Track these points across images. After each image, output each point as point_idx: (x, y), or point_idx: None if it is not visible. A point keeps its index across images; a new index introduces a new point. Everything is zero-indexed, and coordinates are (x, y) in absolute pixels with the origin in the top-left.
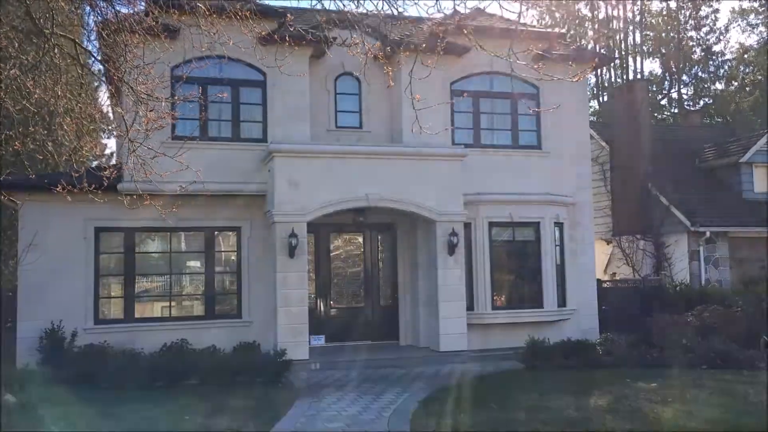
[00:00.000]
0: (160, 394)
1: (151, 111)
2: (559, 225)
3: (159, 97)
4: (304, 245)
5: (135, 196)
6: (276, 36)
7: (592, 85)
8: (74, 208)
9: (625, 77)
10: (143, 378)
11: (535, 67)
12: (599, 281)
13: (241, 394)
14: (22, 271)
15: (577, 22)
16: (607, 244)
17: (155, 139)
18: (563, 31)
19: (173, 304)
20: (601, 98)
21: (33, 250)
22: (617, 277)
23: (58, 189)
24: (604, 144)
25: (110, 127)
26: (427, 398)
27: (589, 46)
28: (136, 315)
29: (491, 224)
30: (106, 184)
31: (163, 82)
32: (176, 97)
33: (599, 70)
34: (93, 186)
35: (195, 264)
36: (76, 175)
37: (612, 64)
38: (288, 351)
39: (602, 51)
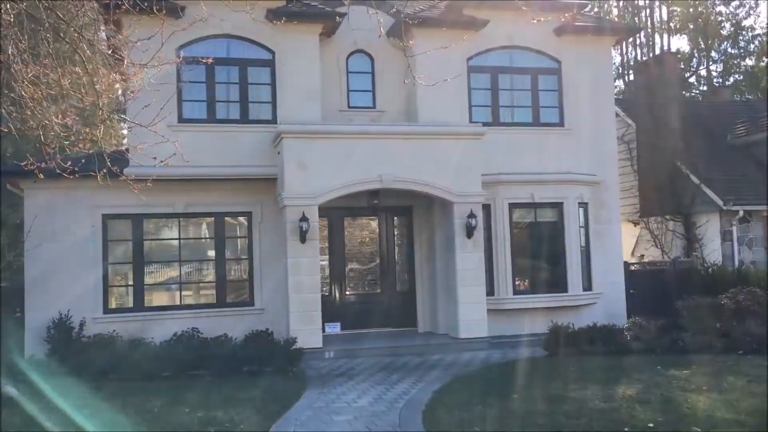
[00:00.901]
0: (165, 384)
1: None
2: (583, 205)
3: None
4: (315, 229)
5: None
6: (283, 14)
7: (617, 64)
8: (81, 195)
9: (651, 55)
10: (149, 368)
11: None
12: (626, 264)
13: (249, 384)
14: (28, 259)
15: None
16: (635, 225)
17: (161, 123)
18: (585, 1)
19: (184, 292)
20: (626, 77)
21: (39, 238)
22: (645, 260)
23: (66, 174)
24: (630, 122)
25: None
26: (442, 388)
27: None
28: (146, 304)
29: (512, 205)
30: (104, 171)
31: (168, 63)
32: (181, 80)
33: (624, 49)
34: (101, 172)
35: (206, 251)
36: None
37: (637, 40)
38: (300, 339)
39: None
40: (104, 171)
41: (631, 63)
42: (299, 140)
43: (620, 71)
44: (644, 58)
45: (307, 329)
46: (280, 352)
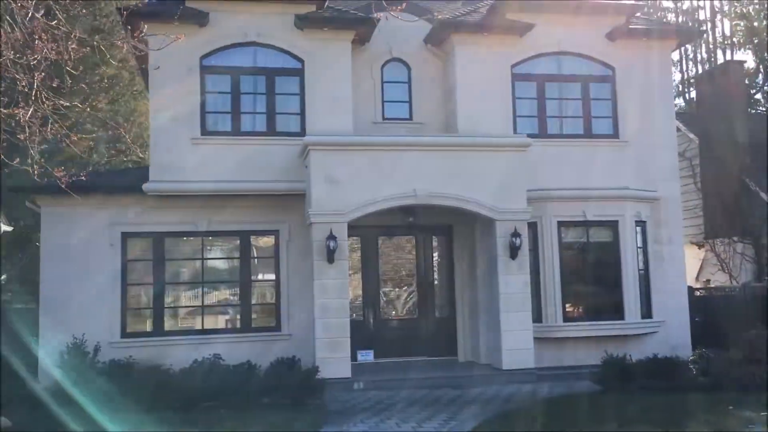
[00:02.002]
0: (170, 417)
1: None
2: (641, 224)
3: None
4: (344, 248)
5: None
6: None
7: (676, 81)
8: (99, 212)
9: (714, 65)
10: (162, 399)
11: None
12: (691, 289)
13: (260, 419)
14: (43, 280)
15: (658, 14)
16: (699, 248)
17: (184, 135)
18: (641, 2)
19: (206, 315)
20: (686, 95)
21: (55, 258)
22: (712, 285)
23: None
24: (692, 136)
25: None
26: (477, 428)
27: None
28: (166, 328)
29: (561, 224)
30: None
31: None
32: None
33: (684, 66)
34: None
35: (230, 272)
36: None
37: (698, 56)
38: (326, 368)
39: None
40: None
41: (691, 80)
42: (327, 152)
43: (679, 89)
44: (707, 68)
45: (334, 357)
46: (302, 382)
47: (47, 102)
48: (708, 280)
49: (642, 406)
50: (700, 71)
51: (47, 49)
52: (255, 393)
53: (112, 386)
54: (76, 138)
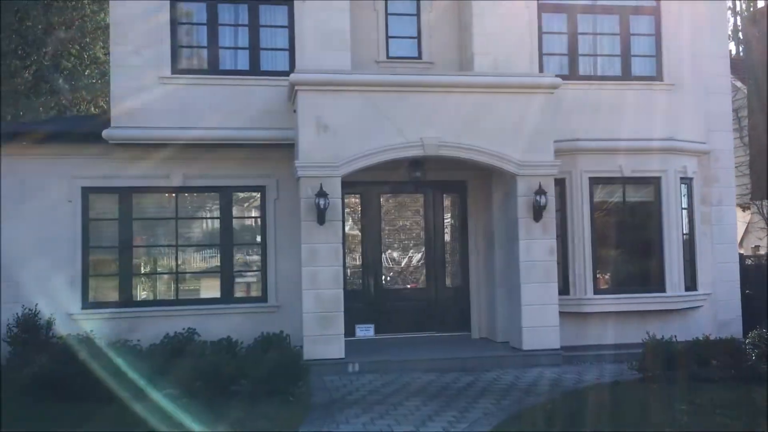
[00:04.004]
0: (108, 410)
1: None
2: (687, 181)
3: None
4: (337, 207)
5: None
6: None
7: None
8: (56, 164)
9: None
10: (116, 384)
11: None
12: (741, 257)
13: (219, 414)
14: (3, 244)
15: None
16: (743, 210)
17: (151, 74)
18: None
19: (181, 284)
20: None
21: (8, 217)
22: (762, 252)
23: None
24: (739, 84)
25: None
26: None
27: None
28: (134, 298)
29: (593, 180)
30: None
31: None
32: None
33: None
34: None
35: (208, 233)
36: None
37: None
38: (315, 348)
39: None
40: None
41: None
42: (318, 93)
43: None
44: (759, 6)
45: (325, 335)
46: (282, 366)
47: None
48: (757, 247)
49: (698, 401)
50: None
51: None
52: (228, 377)
53: (57, 366)
54: None
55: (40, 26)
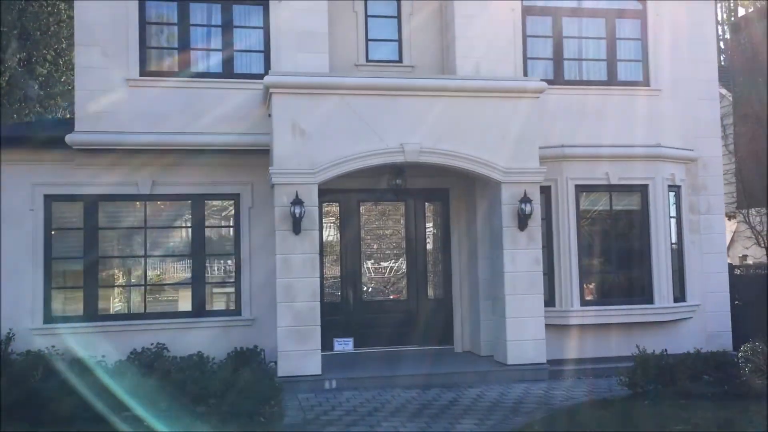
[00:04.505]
0: None
1: None
2: (675, 189)
3: None
4: (313, 216)
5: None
6: None
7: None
8: (17, 170)
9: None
10: (74, 405)
11: None
12: (731, 267)
13: None
14: None
15: None
16: (729, 219)
17: (117, 76)
18: None
19: (150, 296)
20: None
21: None
22: (749, 262)
23: None
24: (723, 92)
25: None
26: None
27: None
28: (100, 311)
29: (579, 188)
30: None
31: None
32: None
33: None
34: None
35: (179, 244)
36: None
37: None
38: (290, 363)
39: None
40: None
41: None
42: (293, 96)
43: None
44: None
45: (300, 351)
46: (252, 384)
47: None
48: (745, 256)
49: (694, 422)
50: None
51: None
52: (195, 397)
53: (11, 387)
54: None
55: (15, 31)
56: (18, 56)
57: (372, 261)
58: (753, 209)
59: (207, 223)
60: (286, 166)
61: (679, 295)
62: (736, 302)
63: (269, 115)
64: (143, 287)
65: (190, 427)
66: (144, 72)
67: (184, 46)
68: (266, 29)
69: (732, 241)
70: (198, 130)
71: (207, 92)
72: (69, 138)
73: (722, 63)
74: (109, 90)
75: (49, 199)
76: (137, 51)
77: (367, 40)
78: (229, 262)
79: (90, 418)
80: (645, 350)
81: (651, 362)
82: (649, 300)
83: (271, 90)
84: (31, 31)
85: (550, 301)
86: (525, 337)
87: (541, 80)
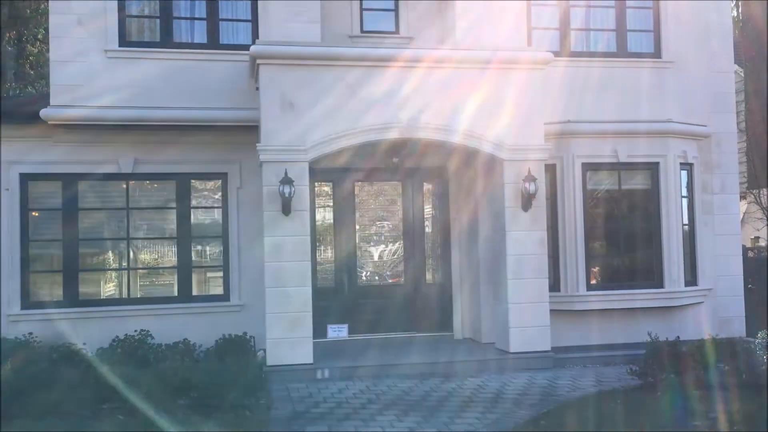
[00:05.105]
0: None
1: None
2: (687, 167)
3: None
4: (304, 196)
5: None
6: None
7: None
8: None
9: None
10: (48, 397)
11: None
12: (744, 249)
13: None
14: None
15: None
16: (740, 199)
17: (95, 47)
18: None
19: (133, 281)
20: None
21: None
22: (761, 243)
23: None
24: (735, 67)
25: None
26: None
27: None
28: (81, 296)
29: (586, 166)
30: None
31: None
32: None
33: None
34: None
35: (164, 225)
36: None
37: None
38: (279, 352)
39: None
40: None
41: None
42: (283, 68)
43: None
44: None
45: (291, 338)
46: (238, 375)
47: None
48: (757, 238)
49: (713, 417)
50: None
51: None
52: (177, 388)
53: None
54: None
55: (5, 9)
56: (9, 34)
57: (368, 244)
58: (765, 189)
59: (193, 204)
60: (274, 142)
61: (691, 278)
62: (750, 286)
63: (257, 88)
64: (126, 271)
65: (170, 421)
66: (123, 42)
67: (166, 14)
68: None
69: (742, 222)
70: (181, 104)
71: (191, 64)
72: (44, 113)
73: (735, 35)
74: (87, 62)
75: (26, 178)
76: (116, 19)
77: (362, 9)
78: (217, 245)
79: (62, 412)
80: (657, 337)
81: (664, 350)
82: (659, 284)
83: (258, 61)
84: (20, 9)
85: (554, 286)
86: (528, 323)
87: (547, 51)
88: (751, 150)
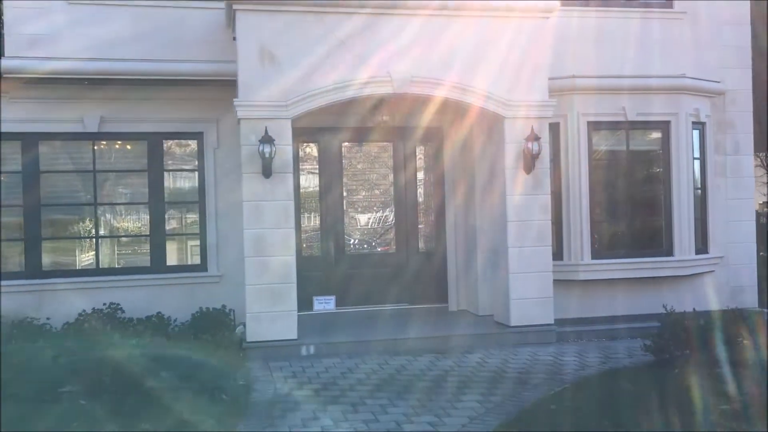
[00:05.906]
0: None
1: None
2: (700, 126)
3: None
4: (287, 156)
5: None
6: None
7: None
8: None
9: None
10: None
11: None
12: (757, 215)
13: (129, 423)
14: None
15: None
16: None
17: None
18: None
19: (103, 250)
20: None
21: None
22: None
23: None
24: None
25: None
26: None
27: None
28: (45, 267)
29: (592, 125)
30: None
31: None
32: None
33: None
34: None
35: (134, 190)
36: None
37: None
38: (260, 327)
39: None
40: None
41: None
42: (263, 15)
43: None
44: None
45: (272, 312)
46: (213, 354)
47: None
48: (765, 203)
49: (740, 400)
50: None
51: None
52: (148, 369)
53: None
54: None
55: None
56: None
57: (356, 210)
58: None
59: (166, 167)
60: (253, 97)
61: (702, 246)
62: (762, 253)
63: (234, 38)
64: (94, 239)
65: (135, 407)
66: None
67: None
68: None
69: None
70: (152, 56)
71: (162, 11)
72: None
73: None
74: (47, 8)
75: None
76: None
77: None
78: (192, 210)
79: (15, 397)
80: (673, 310)
81: (680, 324)
82: (669, 252)
83: (235, 6)
84: None
85: (557, 254)
86: (530, 294)
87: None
88: (758, 110)
